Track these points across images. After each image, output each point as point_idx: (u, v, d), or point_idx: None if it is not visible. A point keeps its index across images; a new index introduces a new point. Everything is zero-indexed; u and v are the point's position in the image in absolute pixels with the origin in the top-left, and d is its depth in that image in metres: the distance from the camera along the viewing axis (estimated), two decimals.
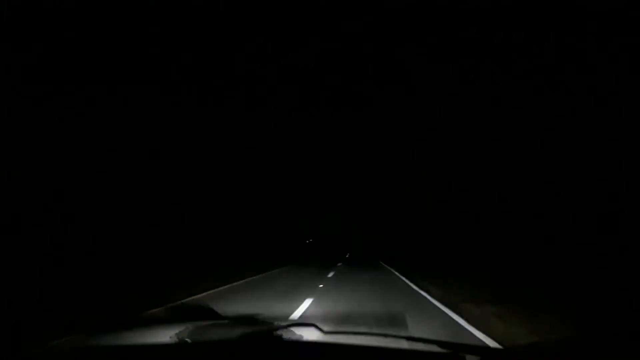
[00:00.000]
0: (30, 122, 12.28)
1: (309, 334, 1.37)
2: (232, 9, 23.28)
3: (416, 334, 3.23)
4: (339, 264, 17.42)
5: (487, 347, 3.00)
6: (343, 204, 64.95)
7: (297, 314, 5.15)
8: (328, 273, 12.09)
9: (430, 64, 26.09)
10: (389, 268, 14.93)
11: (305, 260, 20.33)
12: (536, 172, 15.40)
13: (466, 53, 20.96)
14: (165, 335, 1.25)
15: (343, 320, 4.51)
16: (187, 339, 1.25)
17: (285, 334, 1.33)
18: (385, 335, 1.20)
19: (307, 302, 5.99)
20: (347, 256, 28.07)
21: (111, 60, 15.76)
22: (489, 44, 18.61)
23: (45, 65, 13.02)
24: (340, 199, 63.51)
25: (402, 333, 1.12)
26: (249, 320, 4.42)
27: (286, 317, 4.81)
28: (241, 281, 9.52)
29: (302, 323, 1.59)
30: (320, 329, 1.37)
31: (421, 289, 7.95)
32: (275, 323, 4.09)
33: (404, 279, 10.32)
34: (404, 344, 1.08)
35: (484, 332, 4.02)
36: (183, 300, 6.11)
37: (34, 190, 11.94)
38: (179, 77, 20.91)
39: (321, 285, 8.43)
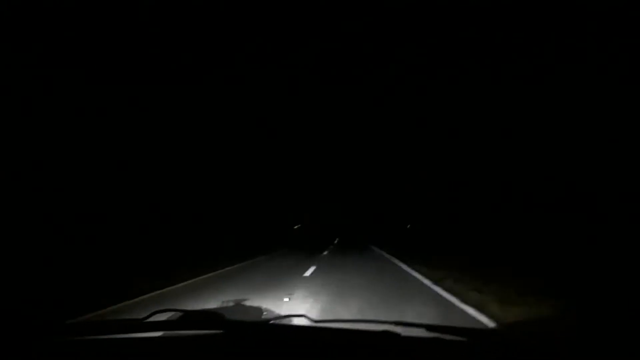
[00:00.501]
0: (30, 121, 12.33)
1: (300, 324, 1.36)
2: (232, 9, 23.40)
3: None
4: (325, 252, 14.90)
5: (477, 329, 3.01)
6: (340, 195, 66.41)
7: None
8: (307, 269, 8.79)
9: (429, 65, 26.25)
10: (396, 262, 10.30)
11: (287, 249, 18.29)
12: (535, 173, 15.46)
13: (466, 53, 21.05)
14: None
15: None
16: (169, 332, 1.24)
17: (276, 322, 1.32)
18: (377, 322, 1.19)
19: None
20: (335, 241, 25.40)
21: (111, 60, 15.84)
22: (489, 44, 18.70)
23: (44, 65, 13.08)
24: (339, 191, 64.95)
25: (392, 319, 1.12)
26: (238, 310, 4.42)
27: None
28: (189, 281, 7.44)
29: (291, 315, 1.58)
30: (310, 319, 1.36)
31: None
32: (264, 315, 4.10)
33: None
34: (397, 329, 1.06)
35: None
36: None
37: (33, 190, 11.95)
38: (179, 76, 21.02)
39: (287, 299, 5.17)
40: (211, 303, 5.02)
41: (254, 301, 5.03)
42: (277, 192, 39.16)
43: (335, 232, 50.39)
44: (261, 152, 32.86)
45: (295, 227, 47.74)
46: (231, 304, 4.75)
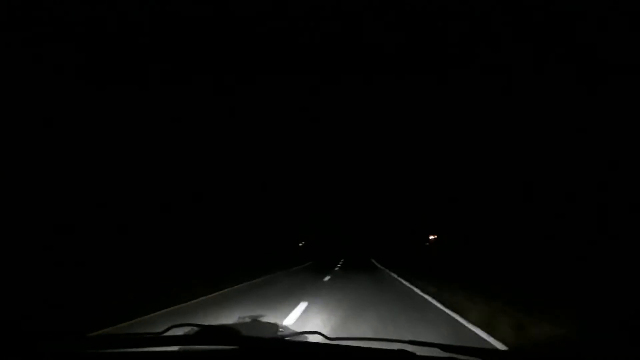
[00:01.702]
0: (31, 122, 12.56)
1: (314, 340, 1.37)
2: (231, 8, 23.69)
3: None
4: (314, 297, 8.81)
5: (491, 349, 2.92)
6: (343, 211, 66.39)
7: None
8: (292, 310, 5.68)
9: (428, 71, 26.34)
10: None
11: (281, 271, 15.81)
12: (533, 178, 15.20)
13: (464, 60, 21.03)
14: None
15: None
16: (186, 347, 1.25)
17: (291, 339, 1.33)
18: (391, 340, 1.18)
19: None
20: (340, 264, 20.78)
21: (108, 60, 16.30)
22: (486, 51, 18.63)
23: (46, 66, 13.48)
24: (341, 206, 65.00)
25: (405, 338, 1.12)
26: (254, 326, 4.40)
27: None
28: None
29: (306, 332, 1.59)
30: (324, 336, 1.36)
31: None
32: (279, 332, 4.07)
33: None
34: (409, 348, 1.06)
35: None
36: None
37: (28, 191, 12.09)
38: (173, 78, 21.37)
39: None
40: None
41: (269, 317, 4.97)
42: (283, 209, 39.50)
43: (340, 249, 50.72)
44: (267, 168, 33.09)
45: (300, 244, 49.01)
46: (247, 319, 4.75)
